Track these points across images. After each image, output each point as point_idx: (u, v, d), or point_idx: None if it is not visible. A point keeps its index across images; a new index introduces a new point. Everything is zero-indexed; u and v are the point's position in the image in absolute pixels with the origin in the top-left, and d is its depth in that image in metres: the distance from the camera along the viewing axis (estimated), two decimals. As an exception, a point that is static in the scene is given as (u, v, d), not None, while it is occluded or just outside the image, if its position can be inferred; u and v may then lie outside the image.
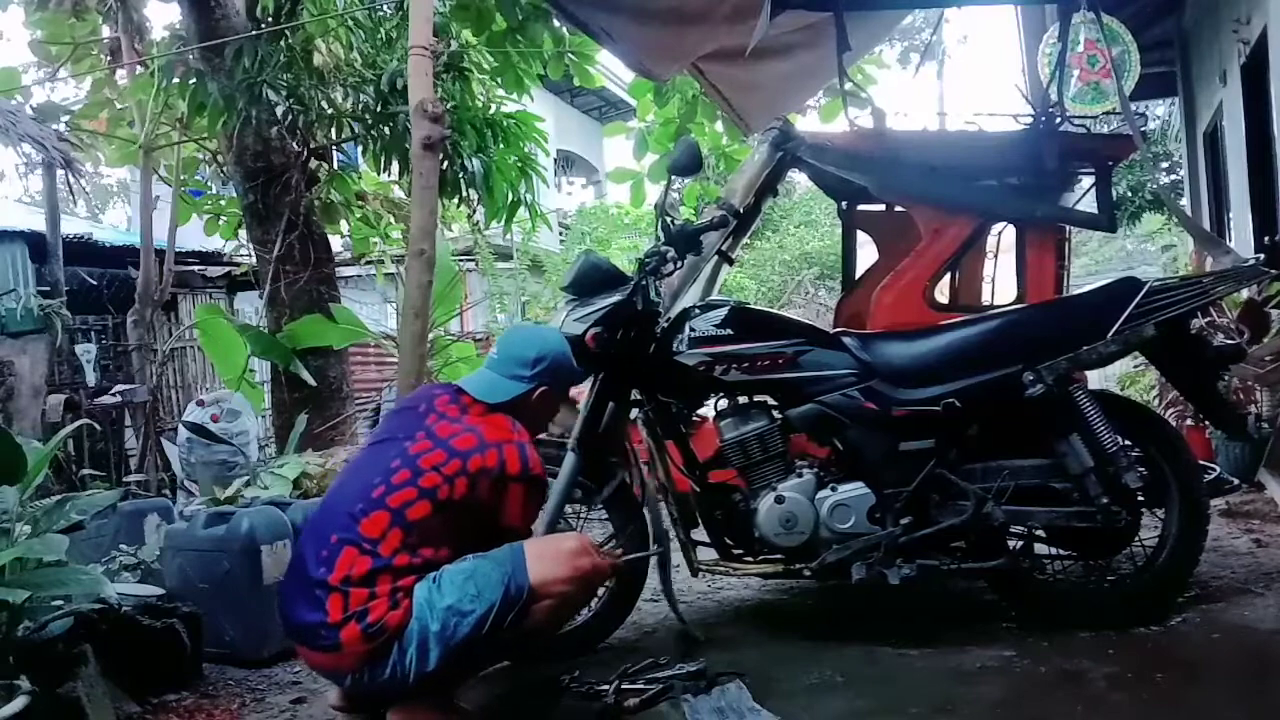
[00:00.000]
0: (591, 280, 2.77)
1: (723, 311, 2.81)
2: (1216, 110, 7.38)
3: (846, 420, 2.76)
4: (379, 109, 5.27)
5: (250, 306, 9.16)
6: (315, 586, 2.11)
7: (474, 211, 5.99)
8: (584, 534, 2.49)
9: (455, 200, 5.66)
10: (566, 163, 19.05)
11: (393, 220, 6.90)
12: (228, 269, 9.53)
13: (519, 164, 5.74)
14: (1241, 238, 6.67)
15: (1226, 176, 7.35)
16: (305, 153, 5.74)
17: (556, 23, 5.61)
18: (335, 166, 6.30)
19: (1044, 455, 2.77)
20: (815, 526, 2.73)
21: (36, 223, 7.87)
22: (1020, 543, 2.84)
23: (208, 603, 2.87)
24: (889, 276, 3.38)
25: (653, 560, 2.85)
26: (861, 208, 3.96)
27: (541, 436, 2.66)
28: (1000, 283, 3.97)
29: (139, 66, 6.08)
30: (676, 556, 2.93)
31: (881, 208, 3.89)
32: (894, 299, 3.30)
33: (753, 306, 3.12)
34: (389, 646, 2.08)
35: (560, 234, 15.12)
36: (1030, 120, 3.40)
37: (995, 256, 4.02)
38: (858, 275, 4.10)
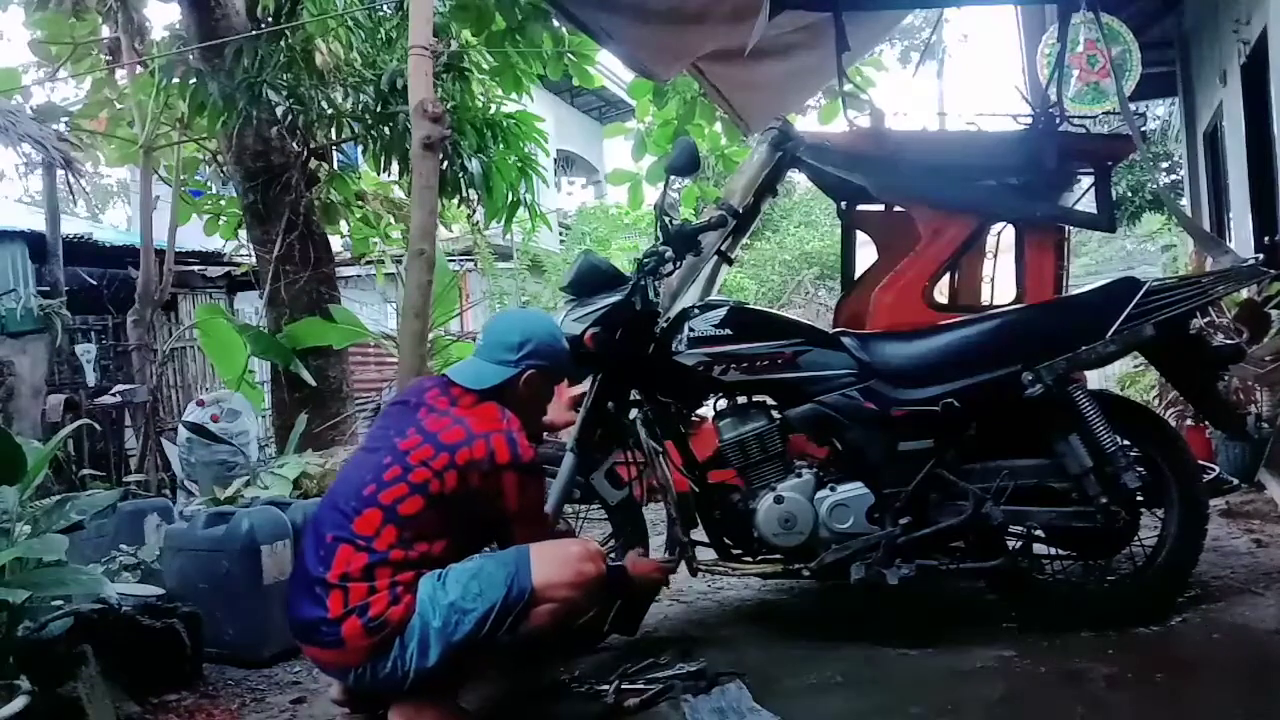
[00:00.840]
0: (590, 280, 2.76)
1: (721, 311, 2.80)
2: (1216, 110, 7.38)
3: (845, 420, 2.75)
4: (379, 109, 5.28)
5: (250, 306, 9.16)
6: (315, 584, 2.12)
7: (474, 211, 5.99)
8: (589, 539, 2.49)
9: (455, 200, 5.66)
10: (566, 163, 19.05)
11: (393, 220, 6.91)
12: (228, 269, 9.54)
13: (519, 164, 5.75)
14: (1241, 238, 6.67)
15: (1226, 176, 7.35)
16: (305, 153, 5.75)
17: (556, 22, 5.61)
18: (335, 166, 6.31)
19: (1043, 455, 2.77)
20: (814, 526, 2.73)
21: (36, 223, 7.87)
22: (1019, 543, 2.84)
23: (208, 603, 2.86)
24: (888, 276, 3.38)
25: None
26: (861, 208, 3.96)
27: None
28: (999, 283, 3.97)
29: (139, 66, 6.08)
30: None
31: (881, 208, 3.89)
32: (893, 299, 3.29)
33: (752, 306, 3.12)
34: (391, 641, 2.09)
35: (560, 234, 15.12)
36: (1029, 120, 3.40)
37: (994, 256, 4.02)
38: (857, 275, 4.09)
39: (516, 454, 2.19)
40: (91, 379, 7.12)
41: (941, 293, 3.86)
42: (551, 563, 2.18)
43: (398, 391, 3.17)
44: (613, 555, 2.69)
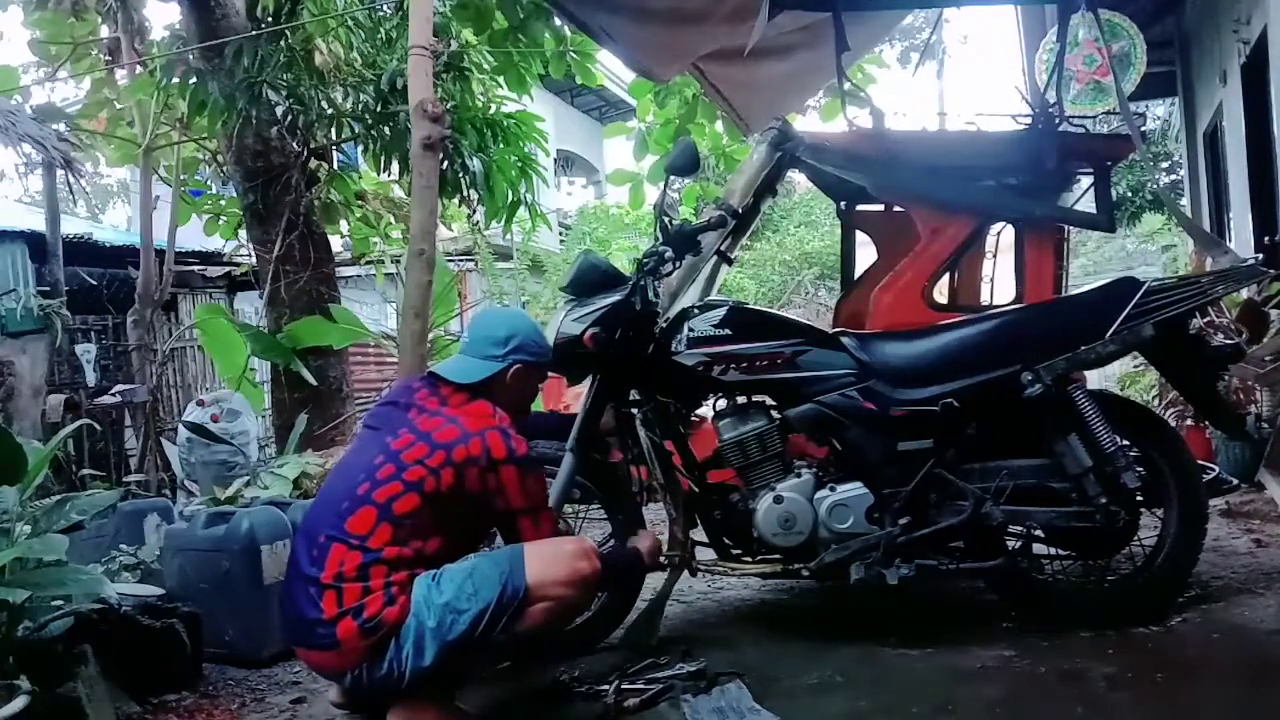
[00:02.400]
0: (590, 280, 2.77)
1: (721, 311, 2.81)
2: (1216, 110, 7.38)
3: (845, 420, 2.76)
4: (379, 109, 5.28)
5: (250, 306, 9.16)
6: (309, 584, 2.12)
7: (474, 211, 5.99)
8: (584, 537, 2.50)
9: (455, 200, 5.66)
10: (566, 163, 19.04)
11: (393, 220, 6.91)
12: (228, 269, 9.54)
13: (519, 164, 5.74)
14: (1241, 238, 6.67)
15: (1226, 176, 7.35)
16: (305, 153, 5.74)
17: (557, 21, 5.61)
18: (335, 166, 6.30)
19: (1042, 455, 2.77)
20: (814, 526, 2.73)
21: (36, 223, 7.85)
22: (1019, 543, 2.84)
23: (208, 603, 2.86)
24: (888, 277, 3.38)
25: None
26: (861, 208, 3.96)
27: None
28: (999, 283, 3.97)
29: (139, 66, 6.08)
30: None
31: (881, 208, 3.89)
32: (893, 299, 3.29)
33: (751, 306, 3.13)
34: (386, 643, 2.09)
35: (560, 234, 15.12)
36: (1029, 120, 3.40)
37: (994, 256, 4.02)
38: (857, 275, 4.09)
39: (511, 448, 2.21)
40: (91, 379, 7.11)
41: (941, 293, 3.86)
42: (546, 561, 2.18)
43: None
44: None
